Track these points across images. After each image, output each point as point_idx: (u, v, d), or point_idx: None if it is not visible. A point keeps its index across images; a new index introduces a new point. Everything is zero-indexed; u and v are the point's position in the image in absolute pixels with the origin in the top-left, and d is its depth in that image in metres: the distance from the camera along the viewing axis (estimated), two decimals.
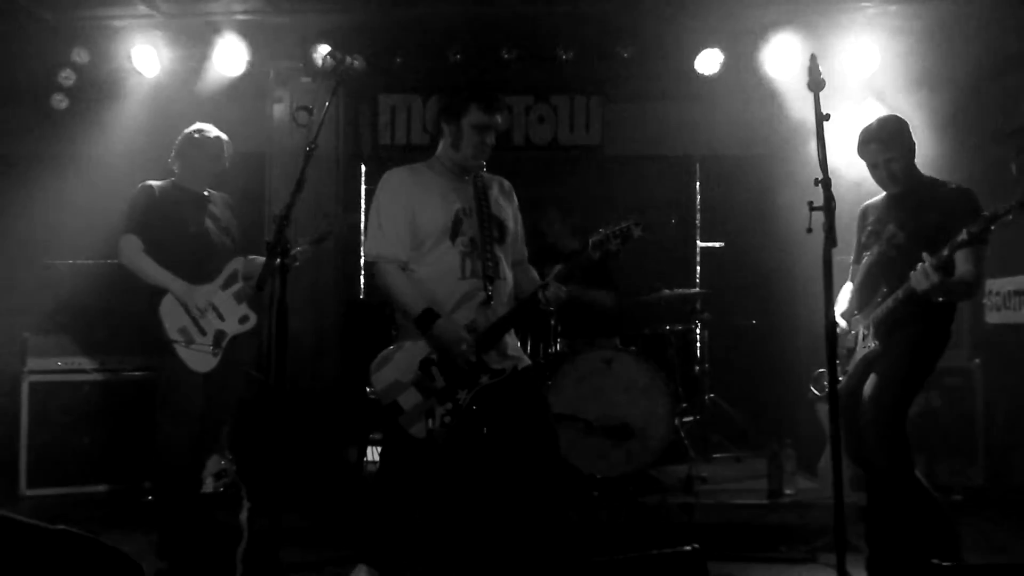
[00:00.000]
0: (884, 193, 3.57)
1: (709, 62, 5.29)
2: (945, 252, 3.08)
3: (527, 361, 3.30)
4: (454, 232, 3.18)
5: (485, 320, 3.15)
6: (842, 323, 3.58)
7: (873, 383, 3.36)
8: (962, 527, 4.21)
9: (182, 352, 3.85)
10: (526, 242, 3.54)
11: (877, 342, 3.39)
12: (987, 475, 4.83)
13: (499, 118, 3.25)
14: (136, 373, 4.82)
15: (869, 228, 3.57)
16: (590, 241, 3.16)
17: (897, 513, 3.31)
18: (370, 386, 3.27)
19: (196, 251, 3.97)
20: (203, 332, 3.91)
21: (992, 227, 2.97)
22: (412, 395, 3.16)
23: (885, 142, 3.41)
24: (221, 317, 3.97)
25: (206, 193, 4.13)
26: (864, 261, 3.56)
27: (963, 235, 3.01)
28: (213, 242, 4.03)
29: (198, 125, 4.10)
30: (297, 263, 3.98)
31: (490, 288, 3.17)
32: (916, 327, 3.32)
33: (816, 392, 3.71)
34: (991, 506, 4.63)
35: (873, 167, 3.48)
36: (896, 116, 3.48)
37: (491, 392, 3.17)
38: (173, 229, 3.95)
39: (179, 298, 3.88)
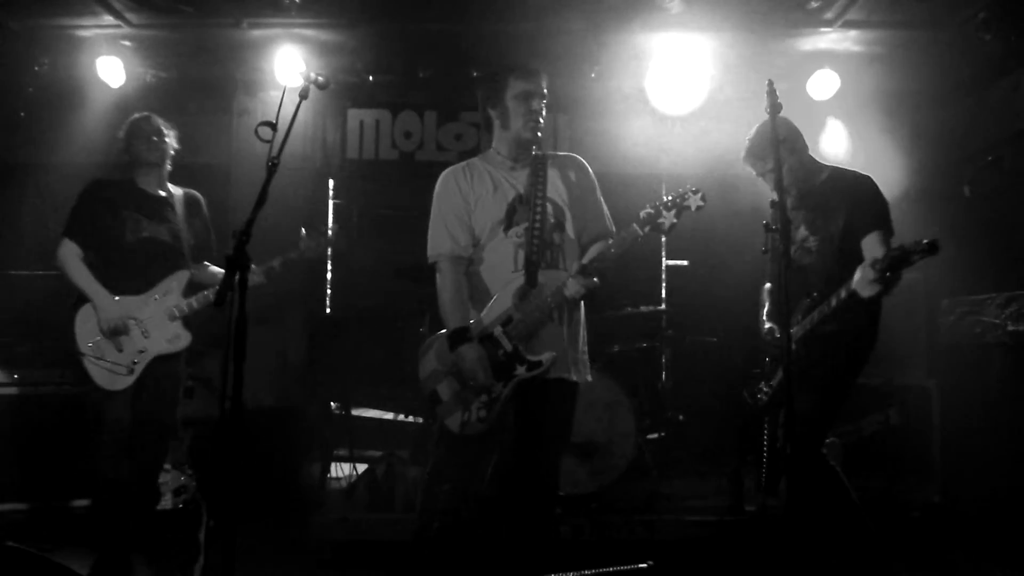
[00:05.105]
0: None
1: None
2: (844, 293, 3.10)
3: (571, 372, 3.13)
4: (508, 222, 3.11)
5: (526, 309, 3.02)
6: (767, 324, 3.62)
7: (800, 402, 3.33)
8: (918, 545, 4.31)
9: (89, 366, 3.68)
10: None
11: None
12: (943, 493, 4.91)
13: (542, 83, 3.13)
14: (59, 387, 4.52)
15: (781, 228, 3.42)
16: (640, 215, 2.94)
17: (823, 523, 3.29)
18: (419, 373, 3.15)
19: (131, 259, 3.80)
20: (119, 349, 3.72)
21: (898, 266, 2.90)
22: (450, 384, 3.09)
23: (758, 156, 3.43)
24: (146, 334, 3.78)
25: (163, 194, 3.96)
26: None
27: (867, 272, 2.98)
28: (154, 250, 3.84)
29: (134, 115, 3.97)
30: (262, 279, 3.88)
31: (534, 278, 3.04)
32: (836, 344, 3.30)
33: (747, 397, 3.71)
34: (947, 524, 4.70)
35: (760, 176, 3.53)
36: (770, 124, 2.90)
37: (529, 387, 3.04)
38: (108, 234, 3.80)
39: (96, 311, 3.71)
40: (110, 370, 3.69)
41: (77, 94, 5.42)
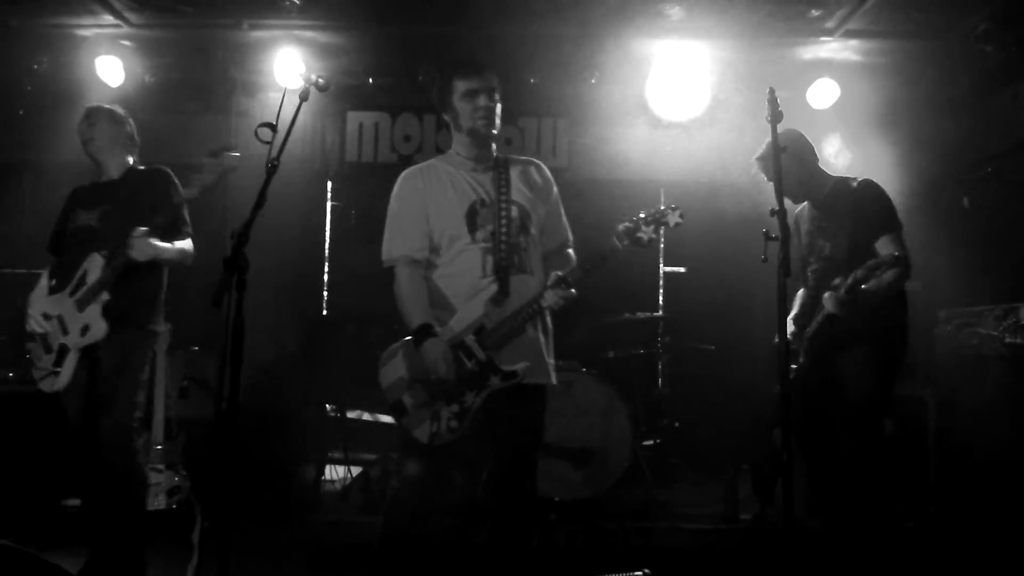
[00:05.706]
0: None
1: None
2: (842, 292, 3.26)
3: (549, 378, 3.07)
4: (471, 226, 3.00)
5: (498, 317, 2.94)
6: (791, 326, 3.66)
7: (839, 416, 3.42)
8: (912, 554, 4.30)
9: (34, 372, 3.58)
10: None
11: (805, 358, 3.55)
12: (938, 503, 4.90)
13: (490, 78, 3.04)
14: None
15: (807, 240, 3.67)
16: (618, 228, 2.90)
17: (856, 541, 3.32)
18: (381, 383, 3.07)
19: (66, 254, 3.67)
20: (48, 350, 3.55)
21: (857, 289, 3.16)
22: (417, 393, 2.98)
23: (765, 162, 3.52)
24: (64, 329, 3.51)
25: (115, 177, 3.73)
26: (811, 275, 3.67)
27: (851, 279, 3.17)
28: (80, 238, 3.61)
29: None
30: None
31: (506, 285, 2.95)
32: (864, 348, 3.42)
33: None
34: (942, 534, 4.69)
35: (771, 183, 3.58)
36: (780, 135, 2.90)
37: (502, 397, 2.94)
38: (57, 234, 3.75)
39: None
40: (42, 373, 3.54)
41: (76, 93, 5.39)
